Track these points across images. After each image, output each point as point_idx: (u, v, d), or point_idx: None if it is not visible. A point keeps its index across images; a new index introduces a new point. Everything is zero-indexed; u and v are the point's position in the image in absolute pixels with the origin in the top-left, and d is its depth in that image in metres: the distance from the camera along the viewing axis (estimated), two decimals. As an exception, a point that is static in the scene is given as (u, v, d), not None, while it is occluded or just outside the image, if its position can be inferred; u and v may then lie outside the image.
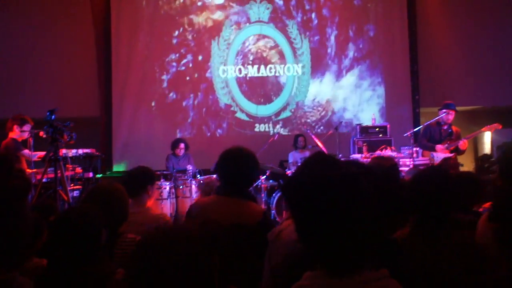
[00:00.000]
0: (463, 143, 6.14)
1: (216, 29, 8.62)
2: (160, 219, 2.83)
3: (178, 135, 8.40)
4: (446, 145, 6.23)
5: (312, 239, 1.14)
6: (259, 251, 2.07)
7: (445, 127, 6.38)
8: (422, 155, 6.43)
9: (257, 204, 2.55)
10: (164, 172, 7.12)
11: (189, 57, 8.63)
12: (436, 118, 6.32)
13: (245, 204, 2.36)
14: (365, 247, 1.13)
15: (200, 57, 8.62)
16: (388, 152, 6.23)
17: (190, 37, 8.62)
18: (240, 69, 8.64)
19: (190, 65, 8.62)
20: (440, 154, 6.20)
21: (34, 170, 5.30)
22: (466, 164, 9.44)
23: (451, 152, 6.21)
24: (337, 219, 1.10)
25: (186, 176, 6.97)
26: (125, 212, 2.45)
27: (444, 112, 6.23)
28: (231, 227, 2.20)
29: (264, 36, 8.66)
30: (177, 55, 8.60)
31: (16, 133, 5.39)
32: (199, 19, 8.63)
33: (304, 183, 1.16)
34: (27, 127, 5.42)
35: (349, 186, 1.13)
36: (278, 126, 8.53)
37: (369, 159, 6.06)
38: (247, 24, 8.65)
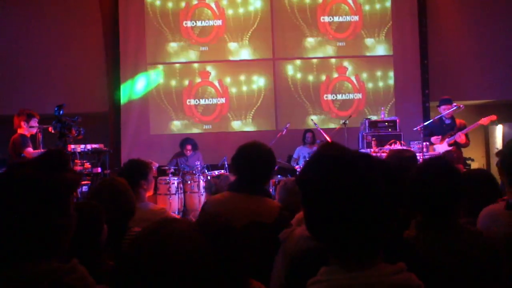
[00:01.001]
0: (459, 137, 6.10)
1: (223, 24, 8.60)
2: (160, 213, 2.77)
3: (187, 131, 8.38)
4: (447, 139, 6.19)
5: (327, 230, 1.10)
6: (276, 249, 1.95)
7: (447, 122, 6.31)
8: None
9: (273, 200, 2.44)
10: (173, 168, 7.14)
11: (196, 52, 8.60)
12: (445, 113, 6.24)
13: (261, 201, 2.27)
14: (380, 236, 1.09)
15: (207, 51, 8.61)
16: (397, 147, 6.16)
17: (197, 32, 8.60)
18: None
19: (198, 60, 8.60)
20: (439, 147, 6.16)
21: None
22: (477, 159, 9.35)
23: (450, 145, 6.16)
24: (355, 200, 1.07)
25: (194, 171, 6.99)
26: (133, 205, 2.43)
27: (456, 106, 6.16)
28: (248, 225, 2.13)
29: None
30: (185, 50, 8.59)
31: (25, 129, 5.38)
32: (206, 16, 8.60)
33: (321, 166, 1.13)
34: (34, 122, 5.41)
35: (367, 164, 1.11)
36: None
37: (378, 154, 6.02)
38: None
